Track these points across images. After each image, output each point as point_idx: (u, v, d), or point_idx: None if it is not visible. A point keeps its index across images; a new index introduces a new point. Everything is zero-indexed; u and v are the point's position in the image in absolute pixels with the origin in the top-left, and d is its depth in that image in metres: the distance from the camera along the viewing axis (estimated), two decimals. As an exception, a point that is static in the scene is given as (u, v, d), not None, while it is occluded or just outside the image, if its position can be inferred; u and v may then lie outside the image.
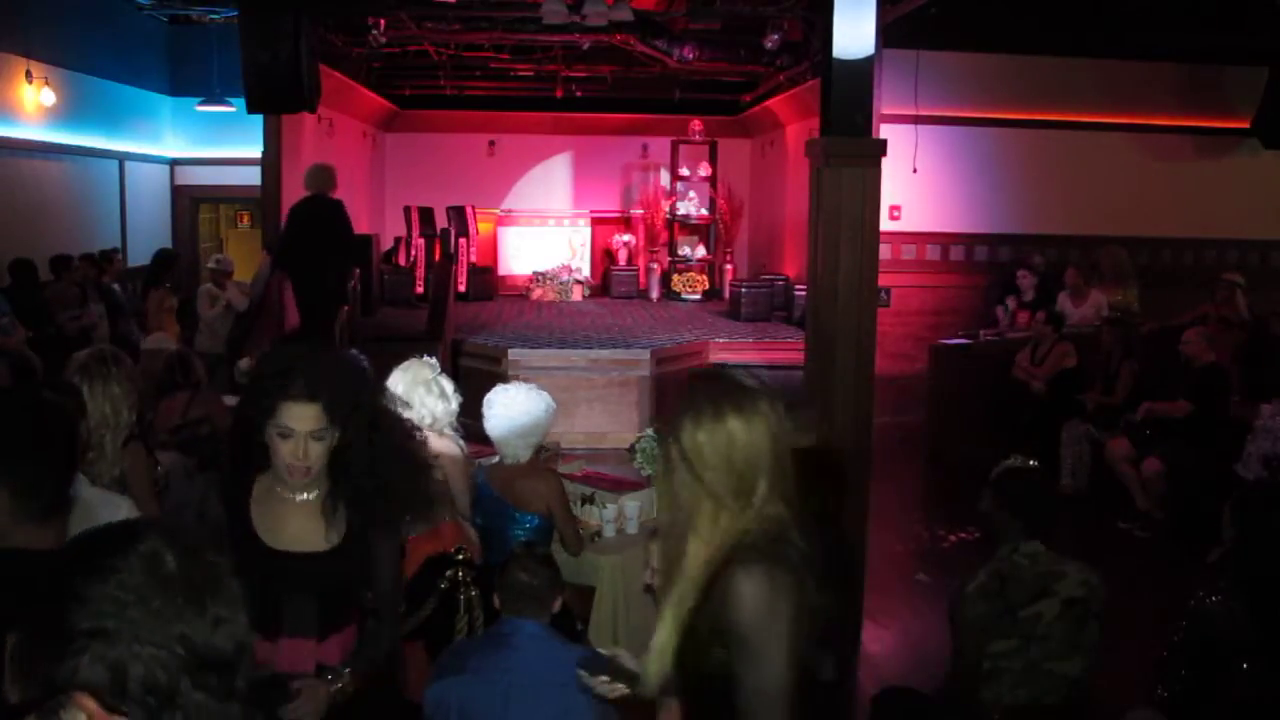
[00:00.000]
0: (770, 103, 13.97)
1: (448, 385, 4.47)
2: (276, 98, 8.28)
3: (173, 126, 13.70)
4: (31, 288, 8.77)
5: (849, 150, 5.91)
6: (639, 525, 4.93)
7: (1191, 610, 3.37)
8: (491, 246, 15.79)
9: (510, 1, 10.99)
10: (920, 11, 9.02)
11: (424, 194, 15.20)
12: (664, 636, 2.04)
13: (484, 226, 15.58)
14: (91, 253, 10.14)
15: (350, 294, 10.49)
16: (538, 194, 16.65)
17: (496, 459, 4.51)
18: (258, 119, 10.28)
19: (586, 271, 15.85)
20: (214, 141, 13.39)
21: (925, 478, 9.51)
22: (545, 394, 4.41)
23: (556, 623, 3.39)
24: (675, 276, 15.07)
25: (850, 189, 5.86)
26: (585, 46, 12.28)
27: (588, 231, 16.19)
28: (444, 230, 14.35)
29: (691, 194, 15.34)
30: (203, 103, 12.78)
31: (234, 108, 11.93)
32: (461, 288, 13.81)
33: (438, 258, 13.53)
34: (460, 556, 3.96)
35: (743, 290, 12.73)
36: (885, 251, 8.03)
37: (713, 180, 15.33)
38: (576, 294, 15.05)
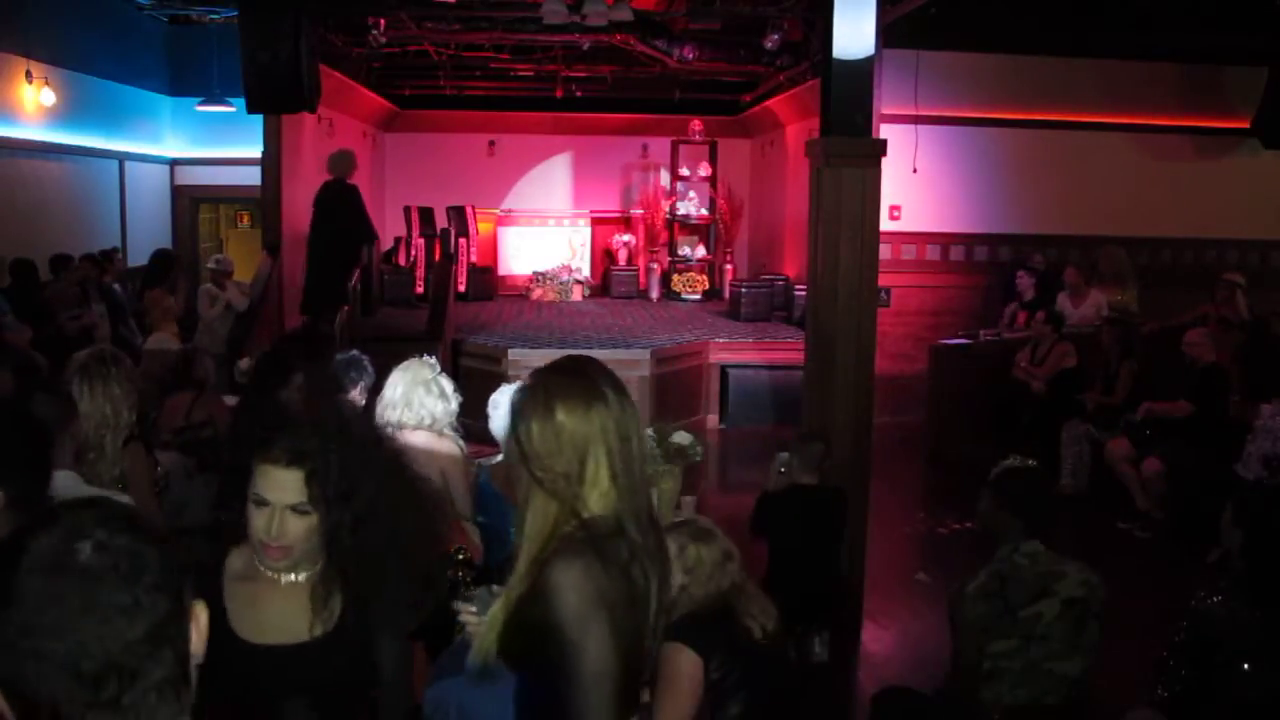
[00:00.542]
0: (770, 103, 13.97)
1: (447, 385, 4.47)
2: (276, 98, 8.29)
3: (173, 126, 13.70)
4: (32, 288, 8.76)
5: (849, 150, 5.92)
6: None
7: (1192, 610, 3.37)
8: (491, 246, 15.79)
9: (510, 1, 10.99)
10: (920, 11, 9.02)
11: (424, 194, 15.20)
12: (494, 616, 2.09)
13: (484, 226, 15.57)
14: (93, 253, 10.14)
15: (350, 292, 10.50)
16: (538, 194, 16.65)
17: (499, 458, 4.51)
18: (258, 119, 10.28)
19: (586, 271, 15.85)
20: (214, 141, 13.39)
21: (925, 478, 9.50)
22: None
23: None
24: (675, 276, 15.07)
25: (850, 189, 5.86)
26: (585, 46, 12.28)
27: (588, 231, 16.19)
28: (444, 230, 14.34)
29: (691, 194, 15.34)
30: (203, 103, 12.78)
31: (234, 108, 11.93)
32: (461, 288, 13.80)
33: (438, 258, 13.52)
34: (460, 557, 3.95)
35: (743, 290, 12.73)
36: (885, 251, 8.03)
37: (713, 180, 15.33)
38: (576, 294, 15.05)
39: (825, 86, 6.03)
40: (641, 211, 16.18)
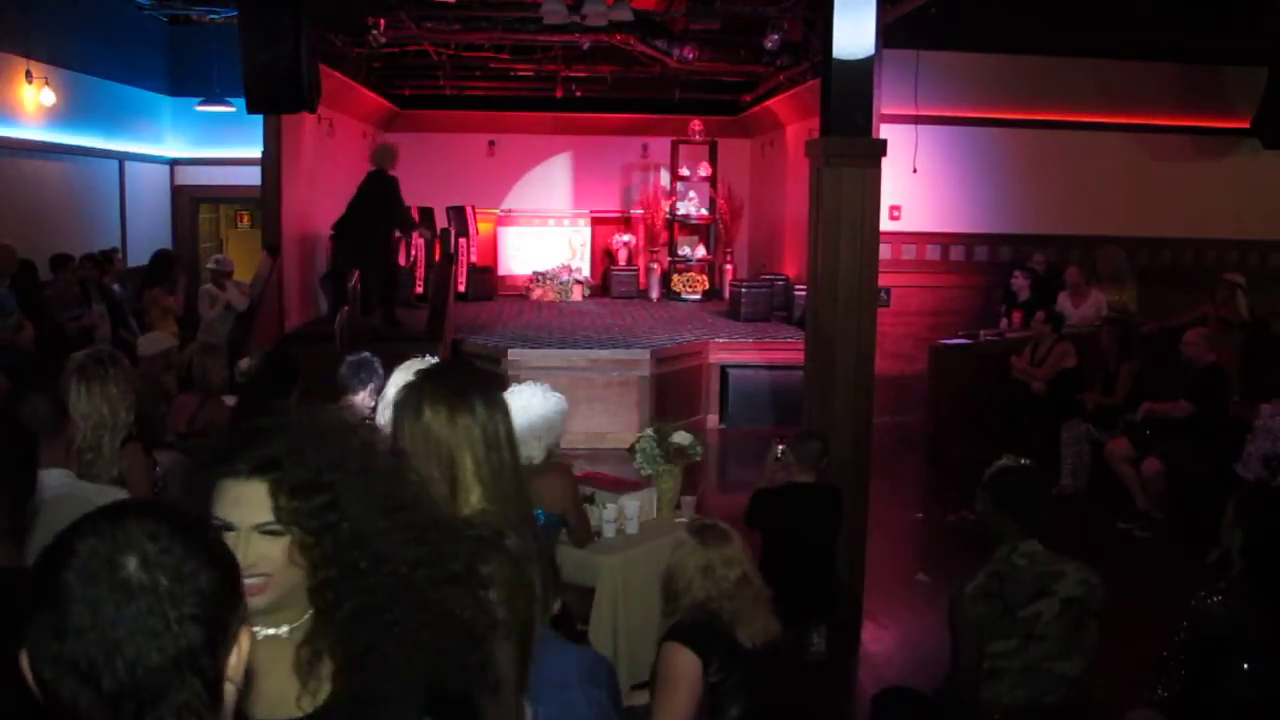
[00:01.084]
0: (770, 103, 13.97)
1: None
2: (276, 98, 8.28)
3: (173, 126, 13.70)
4: (32, 288, 8.76)
5: (849, 150, 5.92)
6: (638, 525, 4.94)
7: (1192, 610, 3.38)
8: (491, 246, 15.80)
9: (510, 1, 11.00)
10: (920, 11, 9.03)
11: (424, 194, 15.15)
12: None
13: (484, 226, 15.58)
14: (93, 253, 10.14)
15: (352, 292, 10.51)
16: (538, 194, 16.65)
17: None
18: (257, 119, 10.28)
19: (586, 271, 15.85)
20: (214, 141, 13.39)
21: (925, 478, 9.51)
22: (558, 394, 4.44)
23: (556, 623, 3.39)
24: (675, 276, 15.07)
25: (850, 189, 5.86)
26: (585, 46, 12.28)
27: (588, 231, 16.19)
28: (444, 230, 14.34)
29: (691, 194, 15.35)
30: (203, 103, 12.78)
31: (234, 108, 11.92)
32: (461, 288, 13.80)
33: (437, 258, 13.52)
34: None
35: (743, 290, 12.73)
36: (885, 251, 8.03)
37: (713, 180, 15.33)
38: (576, 294, 15.05)
39: (825, 86, 6.03)
40: (641, 211, 16.18)
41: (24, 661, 1.14)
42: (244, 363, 6.83)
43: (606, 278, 15.65)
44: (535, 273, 15.25)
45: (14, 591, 1.22)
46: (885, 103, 9.78)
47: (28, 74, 10.00)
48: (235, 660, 1.23)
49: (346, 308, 10.14)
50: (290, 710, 1.66)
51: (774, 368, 10.70)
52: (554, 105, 15.58)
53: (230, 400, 5.85)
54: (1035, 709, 3.50)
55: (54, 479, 2.99)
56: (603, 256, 16.18)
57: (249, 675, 1.29)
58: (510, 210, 16.31)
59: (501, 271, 15.78)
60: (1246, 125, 10.35)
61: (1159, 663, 3.44)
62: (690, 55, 12.26)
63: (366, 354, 5.15)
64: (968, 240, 11.32)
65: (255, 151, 10.84)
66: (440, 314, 10.32)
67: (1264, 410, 7.13)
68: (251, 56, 7.82)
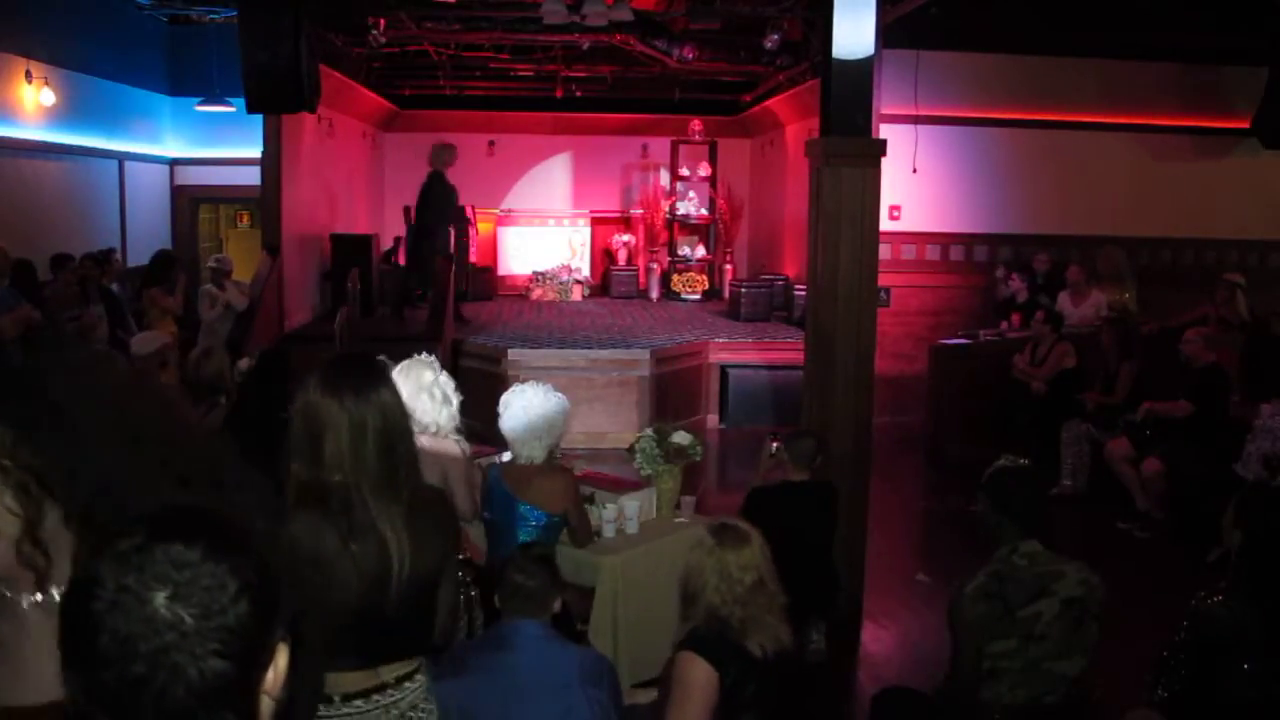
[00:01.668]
0: (770, 103, 13.97)
1: (449, 387, 4.44)
2: (276, 98, 8.28)
3: (172, 126, 13.70)
4: (31, 288, 8.76)
5: (849, 150, 5.92)
6: (638, 525, 4.94)
7: (1192, 610, 3.38)
8: (491, 246, 15.80)
9: (510, 1, 11.00)
10: (920, 11, 9.03)
11: (424, 194, 15.18)
12: None
13: (484, 226, 15.57)
14: (93, 252, 10.14)
15: (351, 292, 10.52)
16: (537, 194, 16.64)
17: (508, 456, 4.52)
18: (257, 119, 10.28)
19: (586, 271, 15.85)
20: (214, 141, 13.39)
21: (925, 478, 9.50)
22: (560, 395, 4.44)
23: (556, 623, 3.39)
24: (675, 276, 15.07)
25: (850, 189, 5.87)
26: (585, 46, 12.28)
27: (587, 231, 16.19)
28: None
29: (691, 194, 15.34)
30: (202, 103, 12.77)
31: (234, 108, 11.92)
32: (461, 287, 13.80)
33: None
34: (460, 556, 3.96)
35: (742, 290, 12.73)
36: (885, 251, 8.03)
37: (712, 180, 15.33)
38: (576, 294, 15.05)
39: (825, 86, 6.04)
40: (641, 211, 16.18)
41: (64, 687, 1.14)
42: (243, 363, 6.82)
43: (606, 278, 15.65)
44: (535, 272, 15.25)
45: None
46: (885, 103, 9.79)
47: (27, 74, 10.00)
48: (272, 677, 1.22)
49: (346, 307, 10.14)
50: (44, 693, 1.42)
51: (774, 368, 10.70)
52: (554, 105, 15.58)
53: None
54: (1035, 709, 3.50)
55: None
56: (602, 256, 16.18)
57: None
58: (510, 210, 16.31)
59: (501, 271, 15.78)
60: (1246, 125, 10.35)
61: (1159, 663, 3.45)
62: (690, 55, 12.26)
63: (382, 357, 5.13)
64: (967, 240, 11.32)
65: (255, 151, 10.84)
66: (440, 314, 10.32)
67: (1264, 410, 7.14)
68: (251, 56, 7.82)
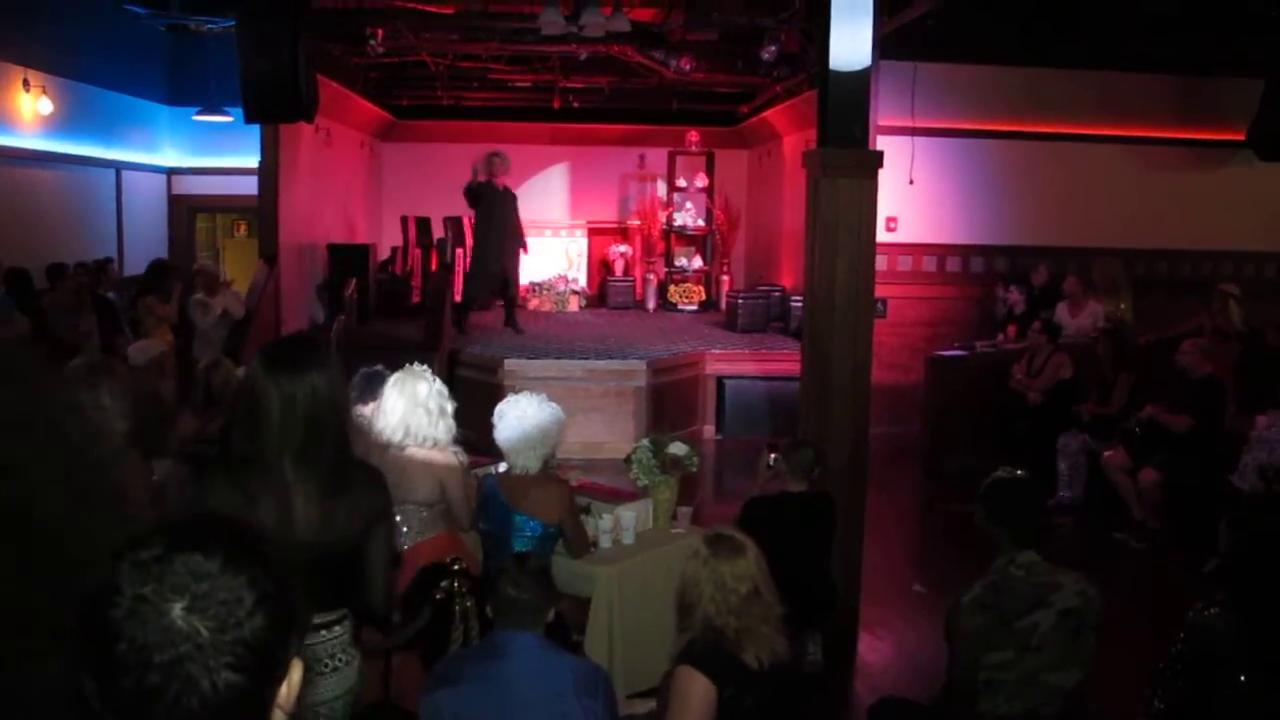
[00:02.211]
0: (767, 114, 13.99)
1: (444, 398, 4.43)
2: (274, 107, 8.28)
3: (170, 135, 13.71)
4: (27, 297, 8.75)
5: (846, 161, 5.93)
6: (635, 536, 4.93)
7: (1189, 622, 3.37)
8: (488, 256, 15.77)
9: (508, 12, 11.01)
10: (917, 23, 9.05)
11: (421, 204, 15.20)
12: None
13: (481, 236, 15.56)
14: (86, 261, 10.13)
15: (348, 300, 10.53)
16: (534, 204, 16.58)
17: (504, 466, 4.52)
18: (255, 128, 10.30)
19: (583, 282, 15.85)
20: (211, 151, 13.40)
21: (921, 489, 9.50)
22: (555, 405, 4.44)
23: (551, 633, 3.38)
24: (672, 287, 15.07)
25: (847, 200, 5.87)
26: (583, 57, 12.30)
27: (584, 242, 16.20)
28: (440, 240, 14.34)
29: (688, 205, 15.35)
30: (200, 112, 12.78)
31: (231, 117, 11.94)
32: (458, 297, 13.79)
33: (434, 267, 13.52)
34: (456, 566, 3.95)
35: (739, 301, 12.73)
36: (881, 262, 8.03)
37: (709, 191, 15.34)
38: (573, 304, 15.05)
39: (822, 98, 6.05)
40: (638, 222, 16.19)
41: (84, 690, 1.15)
42: (242, 371, 6.82)
43: (603, 288, 15.65)
44: (532, 283, 15.23)
45: None
46: (882, 114, 9.81)
47: (25, 82, 10.02)
48: (286, 691, 1.23)
49: (343, 316, 10.14)
50: None
51: (770, 378, 10.70)
52: (551, 115, 15.60)
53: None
54: (1032, 720, 3.50)
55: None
56: (599, 267, 16.19)
57: None
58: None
59: (498, 281, 15.77)
60: (1242, 137, 10.37)
61: (1156, 674, 3.44)
62: (687, 66, 12.28)
63: (379, 367, 5.13)
64: (964, 251, 11.34)
65: (252, 161, 10.85)
66: (437, 324, 10.32)
67: (1259, 421, 7.14)
68: (249, 66, 7.82)
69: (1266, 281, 11.52)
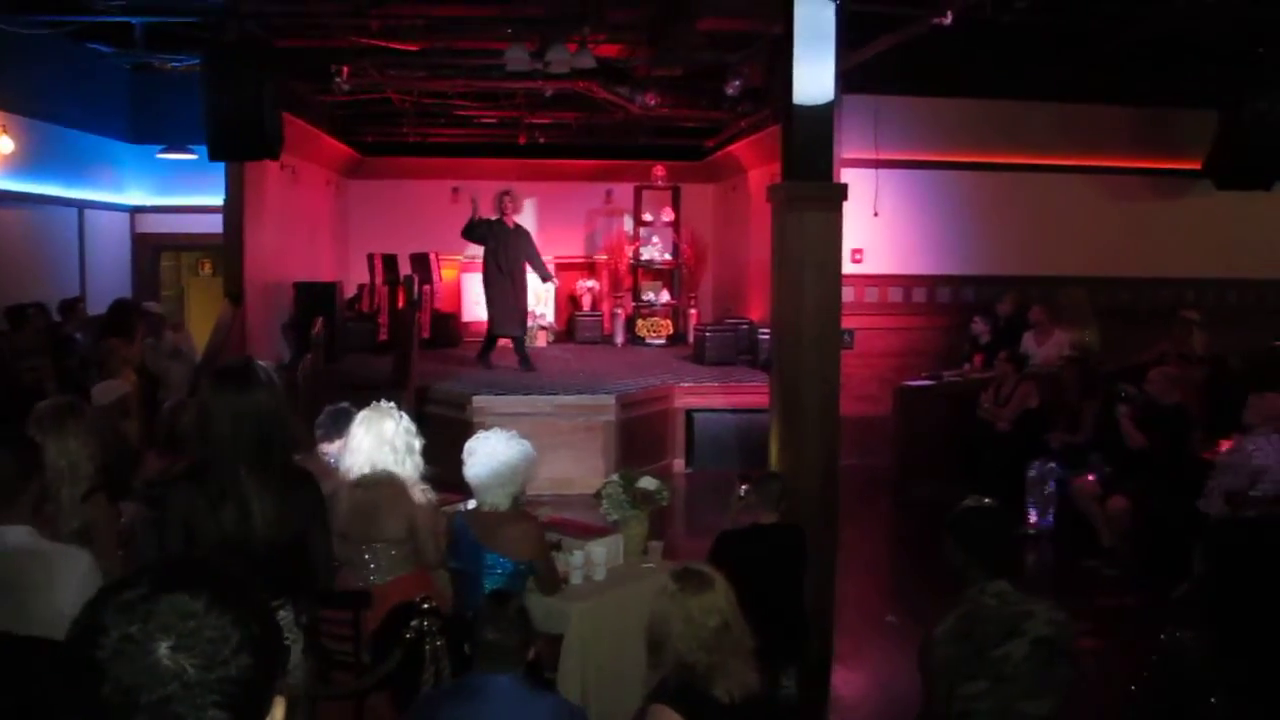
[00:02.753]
0: (733, 148, 14.09)
1: (411, 435, 4.41)
2: (239, 145, 8.27)
3: (134, 174, 13.60)
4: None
5: (811, 194, 5.97)
6: (606, 571, 4.90)
7: (1162, 645, 3.38)
8: (455, 293, 15.75)
9: (474, 49, 11.05)
10: (879, 57, 9.15)
11: (387, 241, 15.17)
12: None
13: (448, 273, 15.56)
14: (41, 302, 9.99)
15: (316, 339, 10.47)
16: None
17: (473, 503, 4.48)
18: (219, 166, 10.26)
19: (551, 317, 15.82)
20: (175, 189, 13.29)
21: (892, 519, 9.52)
22: (524, 441, 4.41)
23: (525, 671, 3.34)
24: (640, 321, 15.08)
25: (812, 232, 5.91)
26: (549, 93, 12.36)
27: (552, 277, 16.16)
28: (408, 277, 14.31)
29: (655, 239, 15.40)
30: (164, 150, 12.71)
31: (196, 155, 11.87)
32: (426, 334, 13.75)
33: (401, 305, 13.47)
34: (426, 605, 3.91)
35: (707, 334, 12.76)
36: (848, 294, 8.08)
37: (676, 225, 15.40)
38: (541, 340, 15.01)
39: (787, 132, 6.10)
40: (605, 257, 16.23)
41: None
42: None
43: (571, 323, 15.64)
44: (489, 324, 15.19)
45: None
46: (846, 147, 9.90)
47: (-14, 122, 9.93)
48: None
49: (310, 355, 10.07)
50: None
51: (739, 411, 10.71)
52: (518, 152, 15.64)
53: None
54: (1007, 750, 3.48)
55: (13, 536, 2.93)
56: (567, 302, 16.18)
57: None
58: (474, 257, 16.26)
59: (466, 318, 15.71)
60: (1199, 166, 10.54)
61: (1130, 696, 3.45)
62: (653, 101, 12.35)
63: (345, 404, 5.10)
64: (930, 282, 11.43)
65: (217, 199, 10.80)
66: (405, 361, 10.27)
67: (1224, 447, 7.21)
68: (214, 104, 7.81)
69: (1227, 308, 11.66)
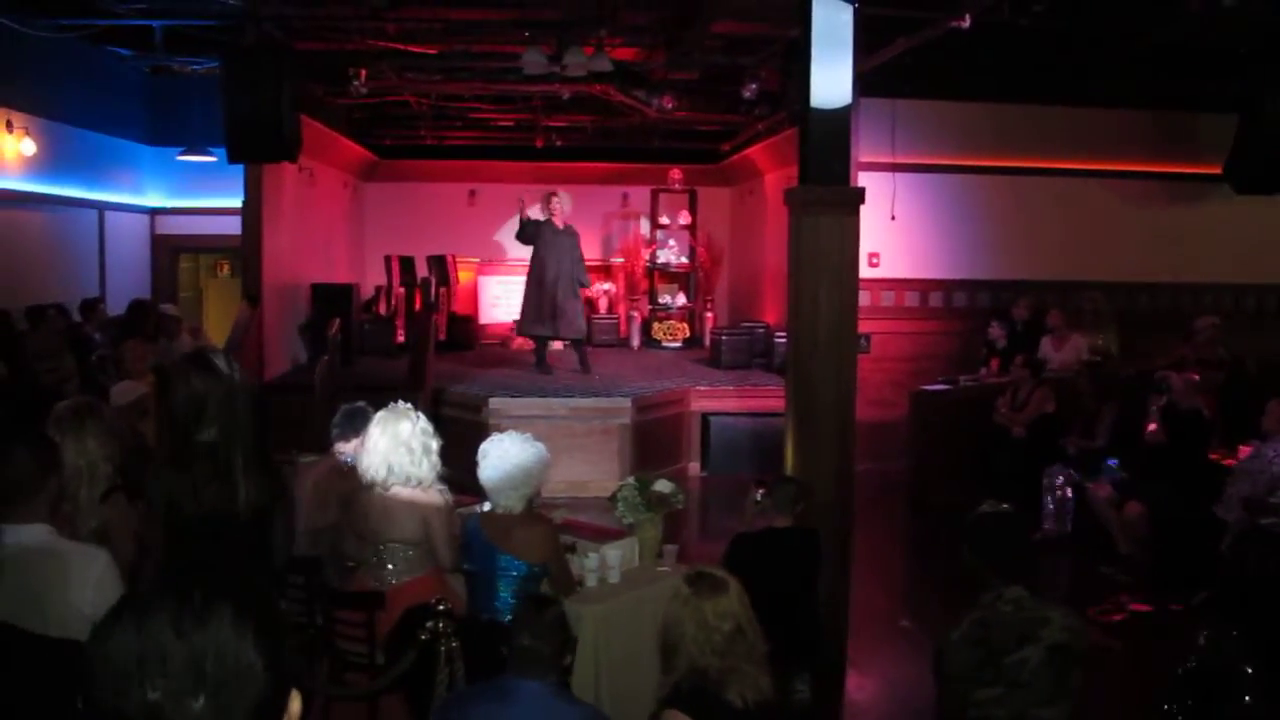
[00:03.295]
0: (749, 151, 14.08)
1: (429, 437, 4.42)
2: (257, 147, 8.31)
3: (153, 176, 13.69)
4: (8, 339, 8.70)
5: (827, 198, 5.96)
6: (621, 574, 4.90)
7: (1198, 645, 3.36)
8: (472, 295, 15.78)
9: (491, 52, 11.08)
10: (896, 61, 9.14)
11: (404, 243, 15.22)
12: None
13: (464, 275, 15.58)
14: (62, 303, 10.06)
15: (332, 340, 10.51)
16: (518, 243, 16.63)
17: (487, 506, 4.49)
18: (238, 168, 10.30)
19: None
20: (194, 191, 13.38)
21: (907, 524, 9.49)
22: (539, 444, 4.40)
23: (560, 679, 3.33)
24: (655, 324, 15.10)
25: (829, 236, 5.90)
26: (565, 96, 12.37)
27: (568, 279, 16.17)
28: (424, 279, 14.35)
29: (671, 242, 15.41)
30: (184, 152, 12.79)
31: (215, 157, 11.94)
32: (442, 336, 13.77)
33: (418, 307, 13.50)
34: (440, 607, 3.92)
35: (723, 338, 12.75)
36: (864, 298, 8.05)
37: (692, 228, 15.41)
38: (557, 343, 15.01)
39: (803, 135, 6.09)
40: (621, 260, 16.24)
41: None
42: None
43: (587, 326, 15.62)
44: (516, 321, 15.22)
45: None
46: (862, 151, 9.89)
47: (8, 124, 10.01)
48: None
49: (326, 357, 10.10)
50: None
51: (755, 415, 10.70)
52: (534, 155, 15.67)
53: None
54: (1021, 757, 3.47)
55: (31, 535, 2.94)
56: (583, 305, 16.18)
57: None
58: (491, 259, 16.32)
59: (482, 320, 15.75)
60: (1219, 171, 10.47)
61: (1164, 693, 3.43)
62: (669, 105, 12.35)
63: (361, 404, 5.12)
64: (946, 286, 11.39)
65: (236, 201, 10.85)
66: (421, 363, 10.29)
67: (1243, 452, 7.16)
68: (233, 106, 7.85)
69: (1244, 314, 11.60)
